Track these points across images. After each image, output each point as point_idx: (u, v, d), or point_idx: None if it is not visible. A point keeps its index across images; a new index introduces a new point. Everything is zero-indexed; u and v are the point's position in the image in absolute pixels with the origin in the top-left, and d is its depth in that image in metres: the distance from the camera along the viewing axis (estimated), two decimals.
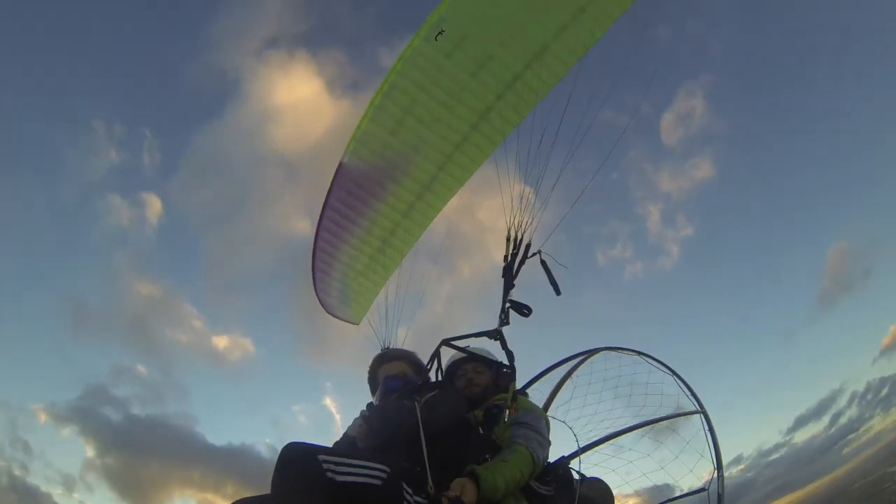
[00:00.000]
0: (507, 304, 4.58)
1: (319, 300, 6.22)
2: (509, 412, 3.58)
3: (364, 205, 5.47)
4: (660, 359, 4.84)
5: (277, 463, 2.52)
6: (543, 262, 4.84)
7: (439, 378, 4.27)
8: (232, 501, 3.05)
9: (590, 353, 4.94)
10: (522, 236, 4.91)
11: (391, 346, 4.49)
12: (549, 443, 3.51)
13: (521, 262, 4.82)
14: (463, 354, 4.27)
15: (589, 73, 5.08)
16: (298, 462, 2.49)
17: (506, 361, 4.27)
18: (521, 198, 4.92)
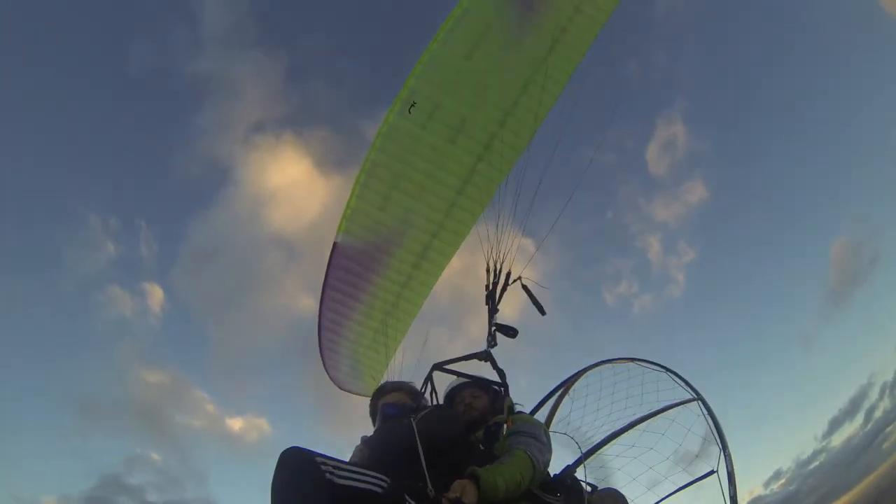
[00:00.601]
0: (493, 328, 4.70)
1: (330, 377, 6.21)
2: (506, 425, 3.62)
3: (363, 280, 5.52)
4: (652, 360, 4.91)
5: (276, 466, 2.54)
6: (525, 287, 5.00)
7: (435, 401, 4.30)
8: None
9: (584, 369, 5.01)
10: (502, 266, 5.08)
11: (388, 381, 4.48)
12: (549, 448, 3.50)
13: (504, 289, 5.00)
14: (461, 380, 4.29)
15: (566, 118, 5.22)
16: (297, 464, 2.51)
17: (499, 381, 4.36)
18: (498, 228, 5.06)
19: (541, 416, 4.80)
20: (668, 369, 4.80)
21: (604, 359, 5.06)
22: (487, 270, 5.08)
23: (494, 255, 5.05)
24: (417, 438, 2.98)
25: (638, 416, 4.50)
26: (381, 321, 5.59)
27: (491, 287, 4.99)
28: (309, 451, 2.66)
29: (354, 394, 6.31)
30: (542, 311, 5.01)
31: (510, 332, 4.72)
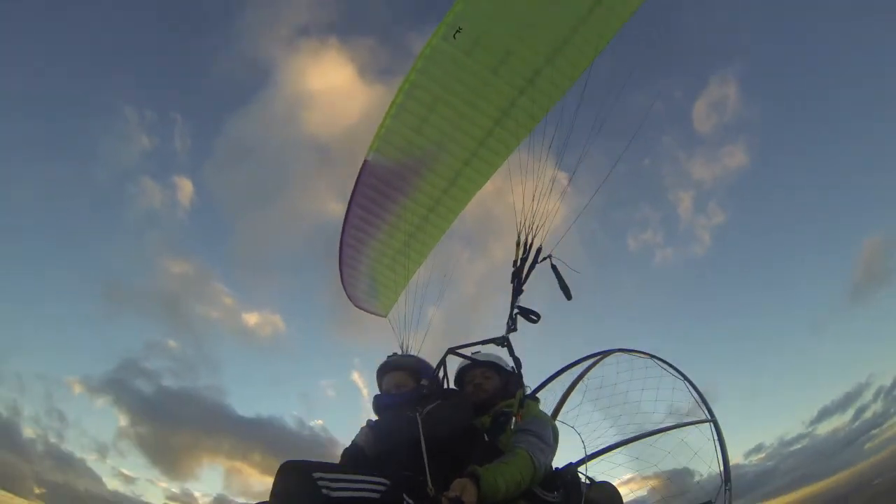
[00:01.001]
0: (515, 311, 4.58)
1: (347, 294, 6.38)
2: (515, 419, 3.59)
3: (390, 200, 5.61)
4: (673, 364, 4.81)
5: (274, 480, 2.64)
6: (554, 267, 4.79)
7: (448, 385, 4.26)
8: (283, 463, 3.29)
9: (603, 354, 4.96)
10: (533, 240, 4.87)
11: (399, 353, 4.34)
12: (552, 449, 3.49)
13: (532, 267, 4.80)
14: (474, 359, 4.25)
15: (613, 64, 5.03)
16: (294, 480, 2.59)
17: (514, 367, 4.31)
18: (534, 198, 4.89)
19: (547, 396, 4.75)
20: (686, 378, 4.74)
21: (623, 347, 4.98)
22: (518, 244, 4.93)
23: (526, 226, 4.87)
24: (422, 436, 3.00)
25: (651, 426, 4.55)
26: (404, 242, 5.71)
27: (519, 263, 4.86)
28: (307, 465, 2.74)
29: (369, 312, 6.49)
30: (569, 296, 4.78)
31: (532, 316, 4.58)
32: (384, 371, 3.85)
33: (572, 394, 4.84)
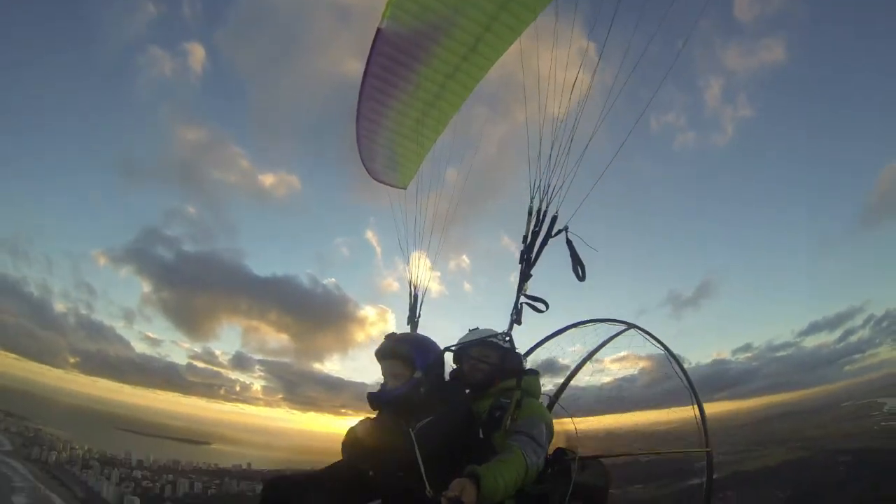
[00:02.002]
0: (521, 301, 4.35)
1: (366, 168, 6.45)
2: (511, 419, 3.55)
3: (406, 69, 5.49)
4: (680, 364, 4.63)
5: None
6: (570, 242, 4.42)
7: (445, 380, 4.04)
8: (267, 480, 3.59)
9: (616, 334, 4.75)
10: (548, 207, 4.45)
11: (395, 335, 3.95)
12: (544, 450, 3.46)
13: (545, 242, 4.44)
14: (470, 339, 4.15)
15: None
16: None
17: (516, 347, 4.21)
18: (552, 154, 4.44)
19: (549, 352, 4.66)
20: (686, 376, 4.51)
21: (639, 326, 4.70)
22: (529, 212, 4.52)
23: (542, 189, 4.45)
24: (417, 453, 3.02)
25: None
26: (423, 111, 5.72)
27: (530, 237, 4.48)
28: (291, 486, 3.05)
29: (388, 185, 6.57)
30: (581, 276, 4.39)
31: (540, 306, 4.39)
32: (380, 357, 3.73)
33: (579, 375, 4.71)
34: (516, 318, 4.34)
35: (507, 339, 4.23)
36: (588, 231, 4.45)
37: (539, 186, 4.54)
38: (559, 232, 4.44)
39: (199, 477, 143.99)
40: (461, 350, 4.12)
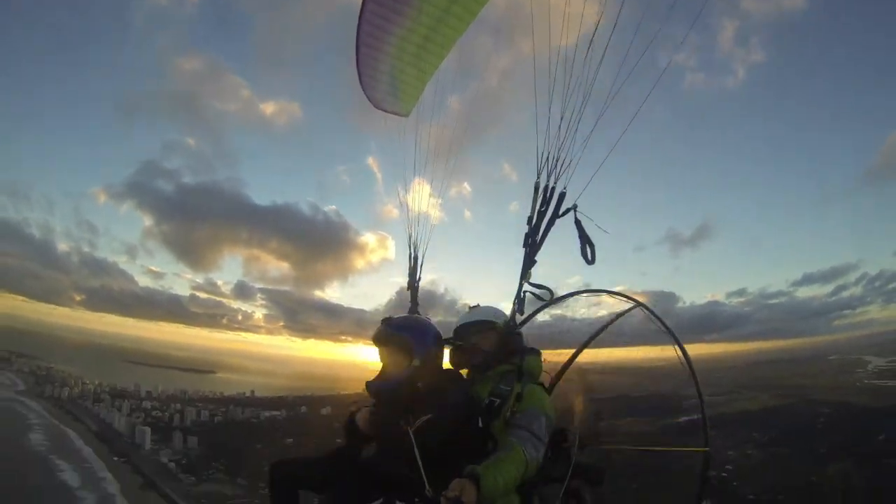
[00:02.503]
0: (524, 290, 4.17)
1: (367, 96, 6.31)
2: (511, 411, 3.49)
3: None
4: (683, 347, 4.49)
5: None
6: (578, 222, 4.15)
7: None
8: (274, 462, 3.67)
9: (613, 319, 4.62)
10: (556, 183, 4.15)
11: (392, 319, 3.80)
12: (544, 444, 3.39)
13: (552, 221, 4.17)
14: (470, 319, 4.07)
15: None
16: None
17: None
18: (563, 120, 4.09)
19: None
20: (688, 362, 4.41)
21: (645, 305, 4.57)
22: (536, 189, 4.20)
23: (550, 163, 4.13)
24: (416, 452, 3.03)
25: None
26: (425, 36, 5.53)
27: (536, 219, 4.19)
28: (298, 468, 3.27)
29: (390, 112, 6.47)
30: (590, 259, 4.16)
31: (542, 293, 4.19)
32: (376, 344, 3.70)
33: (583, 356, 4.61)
34: (518, 307, 4.17)
35: (509, 323, 4.12)
36: (585, 163, 4.21)
37: (548, 159, 4.20)
38: (567, 211, 4.17)
39: (205, 405, 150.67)
40: (461, 330, 4.06)
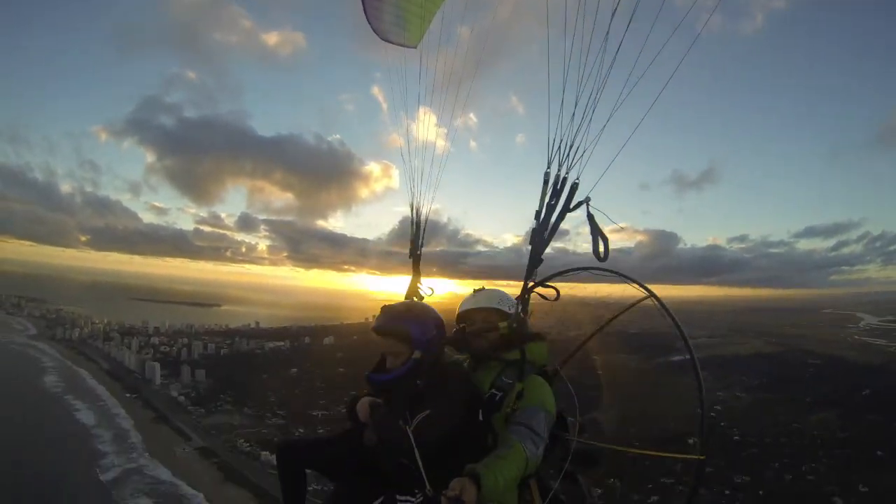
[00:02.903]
0: (530, 288, 3.94)
1: (372, 28, 6.05)
2: (512, 408, 3.40)
3: None
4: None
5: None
6: (591, 217, 3.82)
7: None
8: (281, 441, 3.63)
9: (623, 310, 4.22)
10: (569, 172, 3.80)
11: (390, 309, 3.69)
12: (544, 440, 3.29)
13: (562, 215, 3.86)
14: (473, 304, 3.92)
15: None
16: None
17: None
18: (578, 102, 3.66)
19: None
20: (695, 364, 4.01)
21: (656, 297, 4.03)
22: (546, 180, 3.86)
23: (563, 150, 3.78)
24: (416, 450, 3.02)
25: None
26: None
27: (544, 212, 3.87)
28: (305, 448, 3.44)
29: (395, 44, 6.22)
30: (602, 255, 3.84)
31: (548, 292, 3.98)
32: (376, 334, 3.55)
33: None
34: (523, 307, 3.94)
35: (514, 310, 3.91)
36: (599, 147, 3.68)
37: (560, 148, 3.82)
38: (579, 204, 3.83)
39: (211, 338, 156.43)
40: (465, 315, 3.92)
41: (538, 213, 3.91)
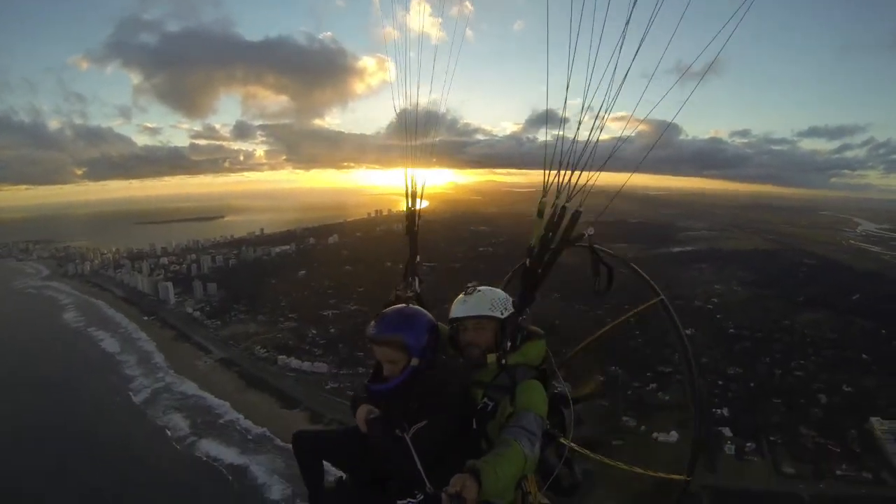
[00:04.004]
0: (521, 333, 3.70)
1: None
2: (505, 414, 3.35)
3: None
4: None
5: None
6: (595, 251, 3.62)
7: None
8: (297, 434, 3.73)
9: (633, 313, 4.22)
10: (569, 201, 3.54)
11: (388, 313, 3.63)
12: (539, 438, 3.22)
13: (558, 251, 3.60)
14: (466, 313, 3.69)
15: None
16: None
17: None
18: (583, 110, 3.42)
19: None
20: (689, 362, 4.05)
21: (665, 301, 3.99)
22: (540, 213, 3.61)
23: (560, 176, 3.53)
24: (415, 457, 3.08)
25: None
26: None
27: (537, 248, 3.61)
28: (321, 440, 3.62)
29: None
30: (607, 288, 3.62)
31: (536, 330, 3.76)
32: (372, 343, 3.48)
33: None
34: (511, 344, 3.68)
35: (506, 314, 3.70)
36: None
37: (563, 157, 3.54)
38: (579, 238, 3.60)
39: (218, 251, 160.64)
40: (456, 321, 3.77)
41: (531, 249, 3.70)
